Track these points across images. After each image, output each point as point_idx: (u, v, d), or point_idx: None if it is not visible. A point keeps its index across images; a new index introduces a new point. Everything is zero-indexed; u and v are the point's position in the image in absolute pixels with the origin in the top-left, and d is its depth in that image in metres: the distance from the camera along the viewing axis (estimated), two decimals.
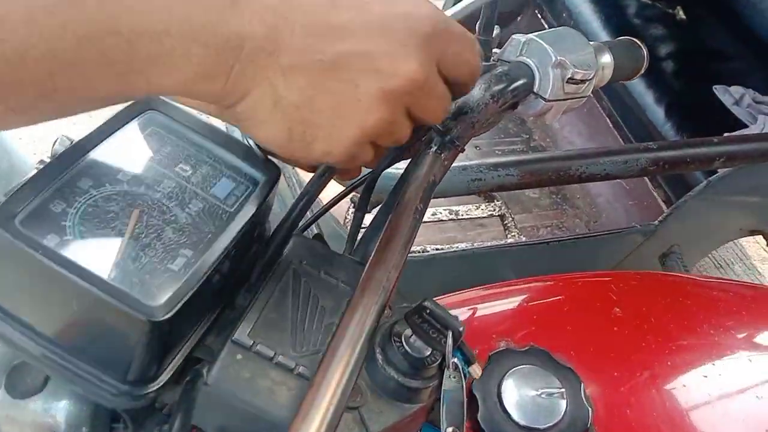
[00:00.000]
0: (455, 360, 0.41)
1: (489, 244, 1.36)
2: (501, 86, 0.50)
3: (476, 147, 1.77)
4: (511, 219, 1.47)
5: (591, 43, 0.57)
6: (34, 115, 0.34)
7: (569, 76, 0.51)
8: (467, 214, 1.46)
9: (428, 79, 0.40)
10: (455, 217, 1.45)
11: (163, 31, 0.33)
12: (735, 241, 2.14)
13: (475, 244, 1.38)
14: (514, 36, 0.52)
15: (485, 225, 1.54)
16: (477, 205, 1.48)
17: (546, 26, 1.82)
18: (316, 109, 0.38)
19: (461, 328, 0.38)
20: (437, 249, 1.35)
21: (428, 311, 0.38)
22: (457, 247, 1.32)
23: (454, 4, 1.83)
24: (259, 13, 0.35)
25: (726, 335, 0.66)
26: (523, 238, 1.45)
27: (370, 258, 0.40)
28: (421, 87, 0.40)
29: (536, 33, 0.52)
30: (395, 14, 0.39)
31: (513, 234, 1.45)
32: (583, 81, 0.52)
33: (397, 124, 0.41)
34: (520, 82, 0.50)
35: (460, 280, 1.29)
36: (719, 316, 0.69)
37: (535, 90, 0.51)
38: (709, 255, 2.12)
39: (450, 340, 0.38)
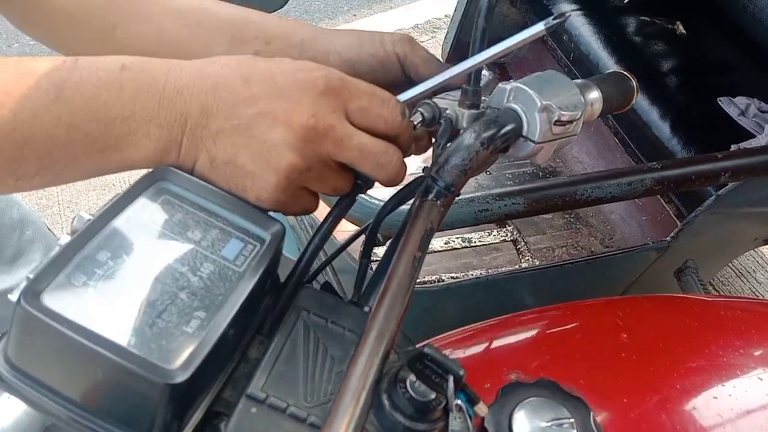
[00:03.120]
0: (459, 402, 0.43)
1: (503, 270, 1.38)
2: (491, 132, 0.52)
3: (487, 172, 1.80)
4: (523, 243, 1.49)
5: (577, 81, 0.60)
6: (38, 183, 0.47)
7: (556, 118, 0.53)
8: (480, 241, 1.48)
9: (331, 128, 0.47)
10: (469, 245, 1.47)
11: (129, 117, 0.45)
12: (756, 249, 2.13)
13: (489, 271, 1.39)
14: (500, 84, 0.55)
15: (500, 249, 1.56)
16: (489, 231, 1.50)
17: (547, 49, 1.85)
18: (240, 163, 0.46)
19: (461, 372, 0.40)
20: (453, 277, 1.37)
21: (429, 358, 0.41)
22: (472, 274, 1.34)
23: (465, 7, 1.86)
24: (196, 96, 0.46)
25: (735, 355, 0.67)
26: (537, 262, 1.46)
27: (372, 309, 0.42)
28: (325, 134, 0.47)
29: (522, 79, 0.54)
30: (294, 80, 0.47)
31: (527, 258, 1.47)
32: (570, 121, 0.55)
33: (316, 170, 0.48)
34: (509, 127, 0.53)
35: (477, 307, 1.31)
36: (728, 336, 0.70)
37: (524, 134, 0.54)
38: (730, 264, 2.11)
39: (451, 384, 0.40)
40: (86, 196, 2.24)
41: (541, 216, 1.66)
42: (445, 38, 2.04)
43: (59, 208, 2.21)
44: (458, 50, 2.02)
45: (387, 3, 3.09)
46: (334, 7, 3.05)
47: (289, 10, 2.92)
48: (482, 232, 1.49)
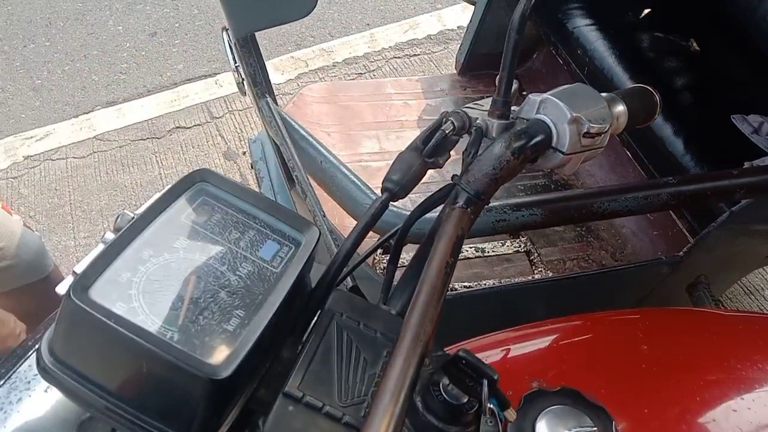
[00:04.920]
0: (491, 406, 0.43)
1: (516, 280, 1.38)
2: (521, 143, 0.53)
3: None
4: (536, 254, 1.49)
5: (604, 95, 0.61)
6: None
7: (585, 130, 0.54)
8: (493, 251, 1.48)
9: None
10: (482, 255, 1.47)
11: None
12: (765, 267, 2.13)
13: (502, 281, 1.40)
14: (530, 96, 0.56)
15: (512, 260, 1.56)
16: (503, 241, 1.50)
17: (561, 62, 1.86)
18: None
19: (496, 377, 0.41)
20: (465, 287, 1.37)
21: (464, 362, 0.41)
22: (485, 284, 1.34)
23: (481, 18, 1.87)
24: None
25: (753, 369, 0.68)
26: (550, 273, 1.47)
27: (407, 313, 0.43)
28: None
29: (551, 91, 0.55)
30: None
31: (539, 269, 1.47)
32: (598, 134, 0.56)
33: None
34: (539, 138, 0.54)
35: (489, 317, 1.31)
36: (745, 350, 0.70)
37: (553, 145, 0.54)
38: (739, 282, 2.11)
39: (486, 388, 0.41)
40: (97, 197, 2.26)
41: (552, 228, 1.67)
42: (459, 49, 2.05)
43: (70, 207, 2.22)
44: (472, 62, 2.04)
45: (400, 13, 3.11)
46: (348, 16, 3.08)
47: (304, 20, 2.94)
48: (495, 242, 1.50)
